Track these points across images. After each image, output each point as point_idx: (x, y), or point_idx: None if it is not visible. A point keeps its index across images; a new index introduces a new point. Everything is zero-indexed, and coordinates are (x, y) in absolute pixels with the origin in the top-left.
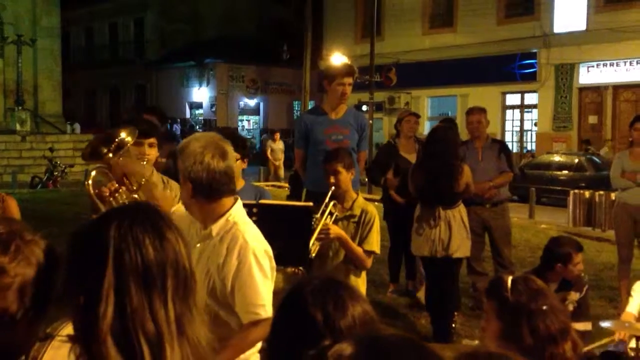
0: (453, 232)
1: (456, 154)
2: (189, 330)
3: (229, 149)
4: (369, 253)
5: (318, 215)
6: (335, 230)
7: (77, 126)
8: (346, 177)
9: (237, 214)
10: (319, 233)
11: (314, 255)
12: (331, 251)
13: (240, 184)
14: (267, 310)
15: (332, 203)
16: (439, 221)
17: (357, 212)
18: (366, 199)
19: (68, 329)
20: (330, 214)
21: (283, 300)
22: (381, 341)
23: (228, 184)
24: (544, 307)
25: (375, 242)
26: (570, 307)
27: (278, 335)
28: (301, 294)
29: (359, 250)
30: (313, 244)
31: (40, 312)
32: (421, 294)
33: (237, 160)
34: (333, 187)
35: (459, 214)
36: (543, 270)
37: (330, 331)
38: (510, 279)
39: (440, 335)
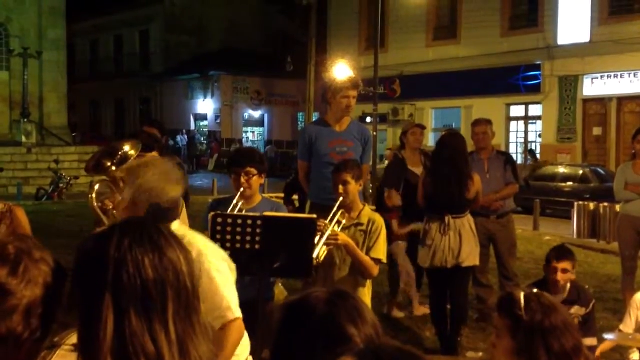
0: (463, 240)
1: (465, 160)
2: (192, 350)
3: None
4: (376, 261)
5: (327, 221)
6: (343, 237)
7: None
8: (355, 187)
9: (180, 229)
10: (328, 239)
11: (322, 260)
12: (338, 259)
13: (257, 198)
14: (234, 311)
15: (340, 212)
16: (449, 230)
17: (364, 221)
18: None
19: (74, 338)
20: (339, 222)
21: (291, 313)
22: (383, 353)
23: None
24: (559, 325)
25: (382, 250)
26: (575, 322)
27: (298, 349)
28: (326, 309)
29: (366, 258)
30: (321, 250)
31: (45, 330)
32: (420, 310)
33: (254, 175)
34: (341, 198)
35: (467, 223)
36: (545, 282)
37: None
38: (522, 295)
39: (447, 348)
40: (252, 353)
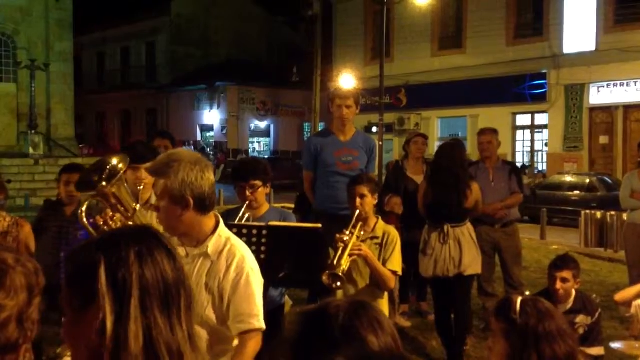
0: (464, 249)
1: (464, 169)
2: (198, 345)
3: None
4: (392, 273)
5: (347, 232)
6: (365, 249)
7: None
8: (371, 201)
9: (225, 230)
10: (352, 249)
11: (345, 269)
12: (354, 273)
13: (265, 207)
14: (259, 321)
15: (359, 224)
16: (448, 239)
17: (379, 233)
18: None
19: None
20: (356, 236)
21: (311, 323)
22: (372, 357)
23: (215, 196)
24: (552, 331)
25: (397, 262)
26: (581, 331)
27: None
28: (347, 318)
29: (385, 270)
30: (345, 261)
31: (35, 328)
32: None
33: (260, 186)
34: (358, 211)
35: (467, 231)
36: (550, 291)
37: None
38: (519, 300)
39: (453, 357)
40: None
